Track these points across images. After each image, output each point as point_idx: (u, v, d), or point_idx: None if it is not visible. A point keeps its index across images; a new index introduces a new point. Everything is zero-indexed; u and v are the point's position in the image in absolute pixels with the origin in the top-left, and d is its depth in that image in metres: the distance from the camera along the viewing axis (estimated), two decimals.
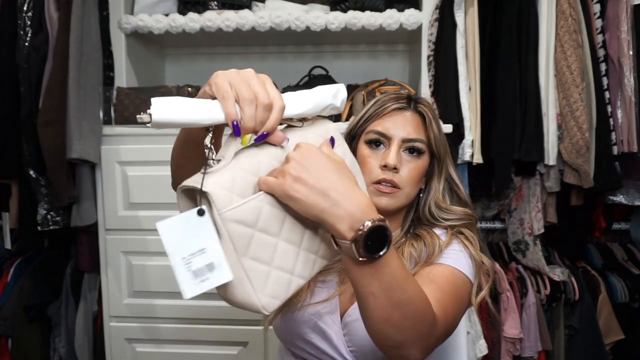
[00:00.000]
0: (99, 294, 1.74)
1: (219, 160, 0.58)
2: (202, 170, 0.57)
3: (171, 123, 0.56)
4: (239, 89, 0.60)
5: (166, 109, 0.55)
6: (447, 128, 1.54)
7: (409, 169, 0.92)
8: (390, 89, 1.58)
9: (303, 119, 0.69)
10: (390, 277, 0.61)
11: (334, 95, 0.69)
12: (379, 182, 0.91)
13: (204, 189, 0.55)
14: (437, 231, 0.94)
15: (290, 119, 0.68)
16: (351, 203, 0.60)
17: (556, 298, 1.76)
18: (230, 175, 0.58)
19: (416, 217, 0.99)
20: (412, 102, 0.96)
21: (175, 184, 0.85)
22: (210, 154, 0.58)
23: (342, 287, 0.94)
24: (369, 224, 0.58)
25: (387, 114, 0.94)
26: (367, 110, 0.97)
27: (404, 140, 0.92)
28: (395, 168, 0.90)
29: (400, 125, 0.92)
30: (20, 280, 1.84)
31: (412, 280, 0.65)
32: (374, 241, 0.59)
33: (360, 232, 0.58)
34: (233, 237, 0.57)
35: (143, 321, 1.64)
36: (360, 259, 0.59)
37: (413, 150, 0.92)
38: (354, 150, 0.98)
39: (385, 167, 0.90)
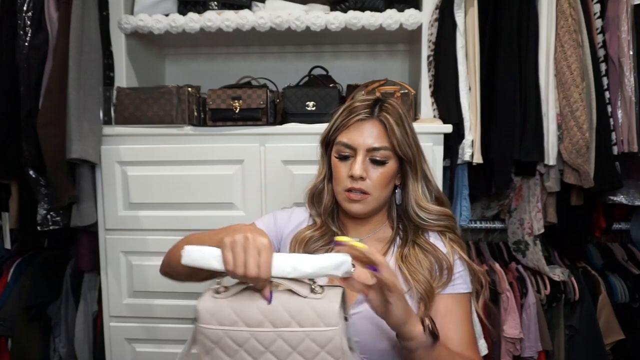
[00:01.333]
0: (99, 294, 1.74)
1: (225, 289, 0.79)
2: (211, 294, 0.79)
3: (195, 266, 0.77)
4: (236, 250, 0.74)
5: (191, 256, 0.77)
6: (447, 128, 1.54)
7: (376, 176, 0.99)
8: (389, 89, 1.58)
9: (311, 289, 0.78)
10: (437, 351, 0.84)
11: (336, 266, 0.76)
12: (349, 190, 0.99)
13: (198, 306, 0.78)
14: (432, 238, 1.03)
15: (298, 281, 0.78)
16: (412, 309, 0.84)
17: (556, 298, 1.76)
18: (220, 306, 0.77)
19: (403, 213, 1.06)
20: (375, 111, 1.00)
21: (163, 270, 1.06)
22: (217, 286, 0.79)
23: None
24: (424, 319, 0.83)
25: (351, 124, 1.00)
26: (335, 121, 1.04)
27: (368, 150, 0.98)
28: (361, 177, 0.98)
29: (364, 135, 0.99)
30: (20, 280, 1.84)
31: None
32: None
33: (428, 324, 0.82)
34: (200, 343, 0.79)
35: (143, 321, 1.64)
36: (434, 340, 0.82)
37: (376, 161, 0.99)
38: (329, 156, 1.06)
39: (352, 176, 0.98)
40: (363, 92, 1.62)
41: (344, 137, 1.00)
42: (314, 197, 1.10)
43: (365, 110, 1.00)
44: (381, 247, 1.04)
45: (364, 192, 0.98)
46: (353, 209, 1.01)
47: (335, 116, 1.04)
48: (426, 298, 0.94)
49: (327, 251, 1.04)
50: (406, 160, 1.00)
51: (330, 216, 1.08)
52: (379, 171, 0.98)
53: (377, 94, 1.57)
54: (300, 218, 1.13)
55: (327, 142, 1.06)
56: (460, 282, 0.98)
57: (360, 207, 1.00)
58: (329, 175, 1.07)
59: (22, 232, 1.72)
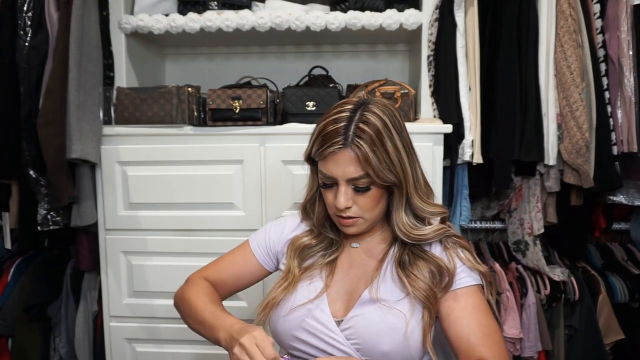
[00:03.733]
0: (99, 294, 1.74)
1: None
2: None
3: None
4: None
5: None
6: (447, 128, 1.54)
7: (363, 201, 0.95)
8: (389, 89, 1.58)
9: None
10: None
11: None
12: (340, 216, 0.97)
13: None
14: (435, 249, 0.99)
15: None
16: None
17: (556, 298, 1.76)
18: None
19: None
20: (349, 136, 0.91)
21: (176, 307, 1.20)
22: None
23: (327, 280, 1.00)
24: None
25: (327, 156, 0.93)
26: (311, 147, 0.97)
27: (348, 180, 0.93)
28: (347, 207, 0.94)
29: (341, 166, 0.92)
30: (20, 280, 1.84)
31: None
32: None
33: None
34: None
35: (143, 321, 1.64)
36: None
37: (360, 188, 0.94)
38: (317, 170, 1.01)
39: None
40: (363, 92, 1.62)
41: (323, 168, 0.95)
42: (307, 210, 1.08)
43: (337, 140, 0.91)
44: (381, 249, 1.02)
45: (354, 217, 0.96)
46: (347, 231, 0.99)
47: (311, 139, 0.97)
48: (429, 305, 0.92)
49: (323, 256, 1.03)
50: (392, 184, 0.95)
51: (326, 225, 1.06)
52: (365, 196, 0.94)
53: (378, 94, 1.57)
54: (292, 226, 1.11)
55: (312, 160, 1.00)
56: (462, 276, 0.95)
57: (355, 229, 0.98)
58: (319, 189, 1.04)
59: (22, 232, 1.72)
